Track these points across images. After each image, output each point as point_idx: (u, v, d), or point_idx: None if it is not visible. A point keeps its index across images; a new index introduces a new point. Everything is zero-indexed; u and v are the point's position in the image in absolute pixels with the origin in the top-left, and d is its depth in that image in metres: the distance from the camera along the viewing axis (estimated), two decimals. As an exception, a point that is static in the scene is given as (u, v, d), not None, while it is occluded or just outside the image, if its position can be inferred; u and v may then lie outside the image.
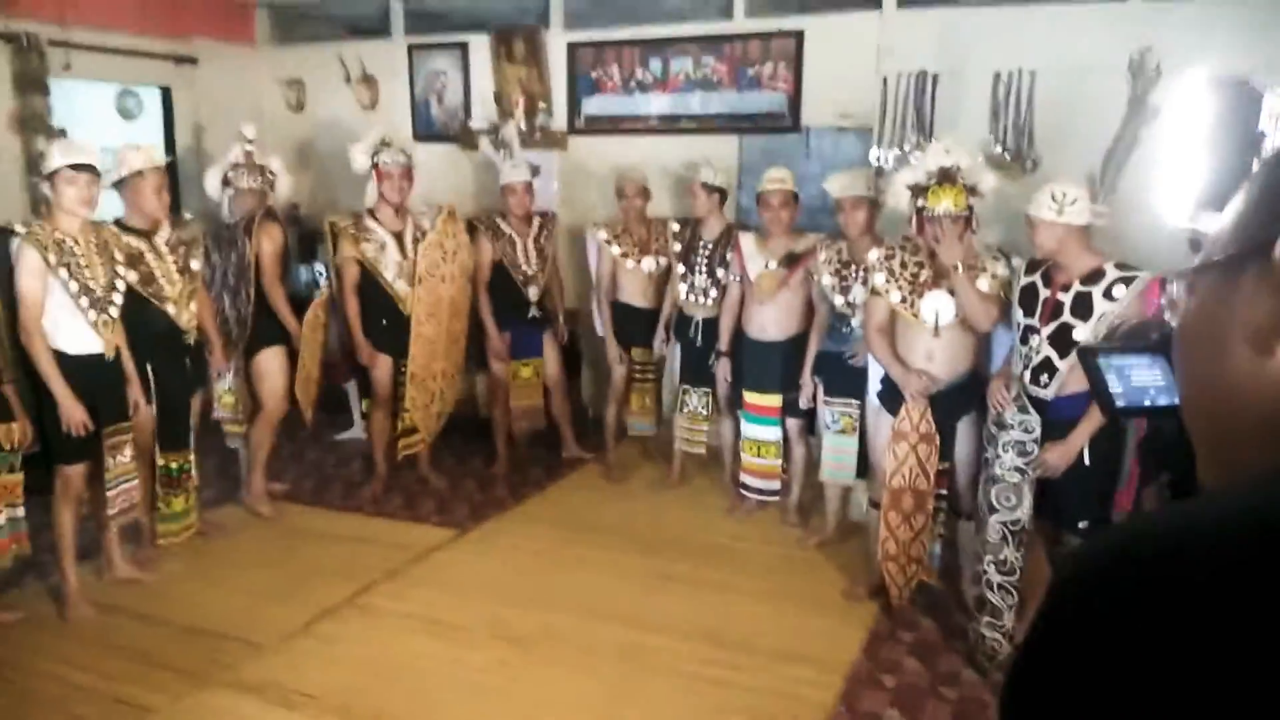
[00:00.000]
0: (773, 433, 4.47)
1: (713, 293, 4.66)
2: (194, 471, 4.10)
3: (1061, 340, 3.10)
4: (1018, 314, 3.27)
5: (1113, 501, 3.24)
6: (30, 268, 3.37)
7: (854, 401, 4.07)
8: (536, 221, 5.10)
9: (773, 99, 5.35)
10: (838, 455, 4.17)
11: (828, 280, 4.11)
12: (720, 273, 4.61)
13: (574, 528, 4.54)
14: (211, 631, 3.53)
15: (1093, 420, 3.04)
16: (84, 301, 3.48)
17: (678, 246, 4.79)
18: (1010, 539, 3.22)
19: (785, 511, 4.61)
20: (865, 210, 4.01)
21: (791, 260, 4.31)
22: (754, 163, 5.23)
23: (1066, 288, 3.12)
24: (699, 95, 5.53)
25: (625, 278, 5.03)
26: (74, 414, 3.43)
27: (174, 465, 3.98)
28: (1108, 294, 3.04)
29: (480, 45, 5.93)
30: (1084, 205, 3.09)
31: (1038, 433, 3.15)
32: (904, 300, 3.55)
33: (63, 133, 5.08)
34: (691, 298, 4.74)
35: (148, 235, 3.82)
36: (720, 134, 5.45)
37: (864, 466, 4.06)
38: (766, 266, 4.33)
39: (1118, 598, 0.52)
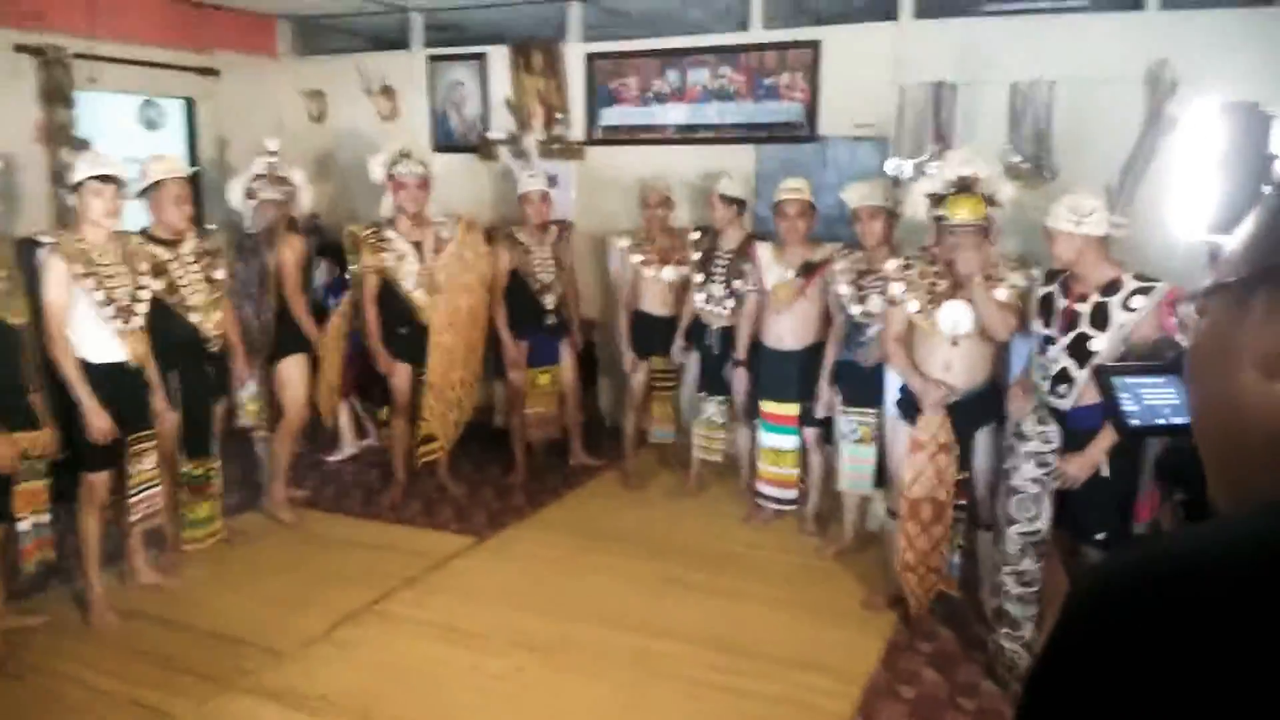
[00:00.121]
0: (790, 441, 4.48)
1: (730, 302, 4.67)
2: (218, 478, 4.14)
3: (1079, 350, 3.10)
4: (1035, 324, 3.27)
5: (1132, 513, 3.23)
6: (56, 278, 3.42)
7: (871, 411, 4.07)
8: (553, 230, 5.14)
9: (790, 109, 5.36)
10: (856, 465, 4.17)
11: (845, 290, 4.12)
12: (737, 283, 4.62)
13: (591, 535, 4.56)
14: (233, 637, 3.56)
15: (1111, 432, 3.03)
16: (109, 311, 3.52)
17: (696, 255, 4.81)
18: (1030, 550, 3.21)
19: (803, 520, 4.61)
20: (882, 220, 4.01)
21: (808, 270, 4.32)
22: (771, 172, 5.24)
23: (1084, 298, 3.12)
24: (716, 105, 5.55)
25: (645, 286, 5.06)
26: (99, 422, 3.47)
27: (198, 472, 4.03)
28: (1126, 305, 3.04)
29: (499, 57, 5.97)
30: (1102, 216, 3.09)
31: (1057, 444, 3.15)
32: (921, 310, 3.55)
33: (86, 144, 5.16)
34: (709, 307, 4.76)
35: (173, 245, 3.87)
36: (737, 144, 5.47)
37: (882, 476, 4.06)
38: (783, 276, 4.35)
39: (1132, 617, 0.54)
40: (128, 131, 5.82)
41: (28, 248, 3.55)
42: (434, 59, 6.23)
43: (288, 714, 3.11)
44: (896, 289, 3.62)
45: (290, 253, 4.48)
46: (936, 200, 3.46)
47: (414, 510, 4.90)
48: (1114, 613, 0.55)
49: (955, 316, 3.48)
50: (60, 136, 5.16)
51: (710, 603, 3.87)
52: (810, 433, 4.46)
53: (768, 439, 4.52)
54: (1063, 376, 3.13)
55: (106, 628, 3.62)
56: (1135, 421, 1.14)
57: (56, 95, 5.14)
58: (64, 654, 3.44)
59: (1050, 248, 3.16)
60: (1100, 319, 3.07)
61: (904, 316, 3.61)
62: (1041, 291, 3.28)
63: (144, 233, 3.86)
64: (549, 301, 5.09)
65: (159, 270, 3.78)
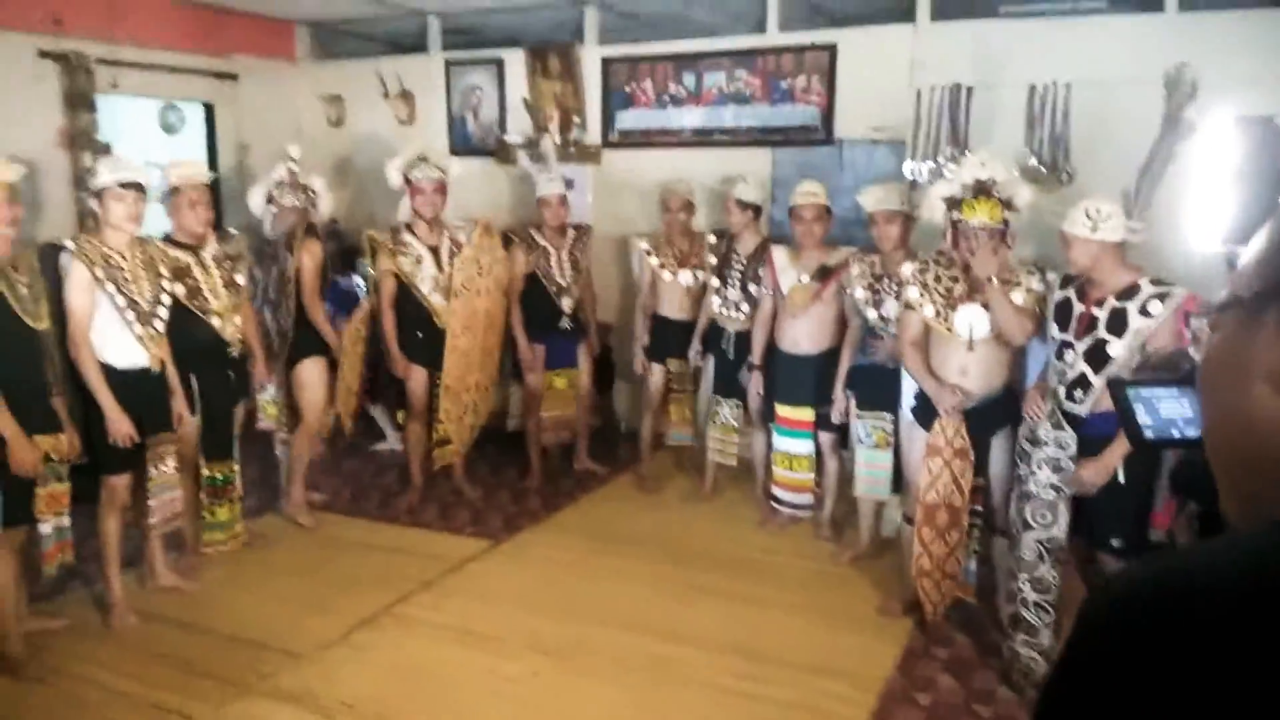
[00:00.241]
0: (805, 446, 4.47)
1: (745, 306, 4.68)
2: (238, 481, 4.18)
3: (1096, 356, 3.08)
4: (1052, 329, 3.25)
5: (1148, 521, 3.21)
6: (79, 283, 3.46)
7: (887, 415, 4.06)
8: (571, 234, 5.16)
9: (806, 112, 5.36)
10: (872, 470, 4.16)
11: (860, 294, 4.11)
12: (753, 287, 4.62)
13: (606, 539, 4.57)
14: (251, 640, 3.59)
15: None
16: (130, 315, 3.56)
17: (713, 259, 4.81)
18: (1046, 556, 3.20)
19: (818, 526, 4.61)
20: (899, 224, 4.00)
21: (824, 274, 4.32)
22: (787, 176, 5.24)
23: (1101, 303, 3.10)
24: (732, 109, 5.55)
25: (663, 289, 5.08)
26: (120, 426, 3.51)
27: (219, 475, 4.06)
28: (1143, 310, 3.02)
29: (516, 60, 6.00)
30: (1118, 222, 3.08)
31: (1073, 449, 3.13)
32: (938, 314, 3.54)
33: (107, 148, 5.21)
34: (725, 311, 4.76)
35: (194, 250, 3.91)
36: (753, 147, 5.47)
37: (899, 481, 4.05)
38: (799, 280, 4.34)
39: (1146, 631, 0.54)
40: (148, 135, 5.88)
41: (50, 252, 3.59)
42: (451, 63, 6.25)
43: (305, 717, 3.13)
44: (912, 293, 3.61)
45: (309, 257, 4.51)
46: (953, 203, 3.46)
47: (430, 514, 4.93)
48: (1128, 627, 0.56)
49: (972, 320, 3.47)
50: (82, 141, 5.21)
51: (726, 607, 3.88)
52: (826, 437, 4.46)
53: (782, 443, 4.51)
54: (1079, 382, 3.12)
55: (126, 630, 3.66)
56: (1149, 434, 1.14)
57: (79, 100, 5.20)
58: (84, 656, 3.48)
59: (1067, 253, 3.15)
60: (1117, 324, 3.05)
61: (920, 320, 3.60)
62: (1058, 296, 3.26)
63: (166, 237, 3.90)
64: (566, 304, 5.10)
65: (180, 274, 3.82)
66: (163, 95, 5.90)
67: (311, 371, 4.61)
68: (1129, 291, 3.06)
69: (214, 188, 4.80)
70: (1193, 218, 3.81)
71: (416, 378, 4.84)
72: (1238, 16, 4.33)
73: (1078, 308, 3.17)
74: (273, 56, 6.51)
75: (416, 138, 5.54)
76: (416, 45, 6.43)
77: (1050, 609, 3.22)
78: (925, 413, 3.62)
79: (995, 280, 3.36)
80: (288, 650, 3.52)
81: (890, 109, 4.98)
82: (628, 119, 5.83)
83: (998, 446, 3.58)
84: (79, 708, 3.18)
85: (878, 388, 4.05)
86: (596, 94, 5.85)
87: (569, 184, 5.22)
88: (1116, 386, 1.17)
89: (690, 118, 5.67)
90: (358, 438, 5.56)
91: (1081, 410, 3.12)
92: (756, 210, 4.73)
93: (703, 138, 5.64)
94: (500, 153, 6.11)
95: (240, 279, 4.07)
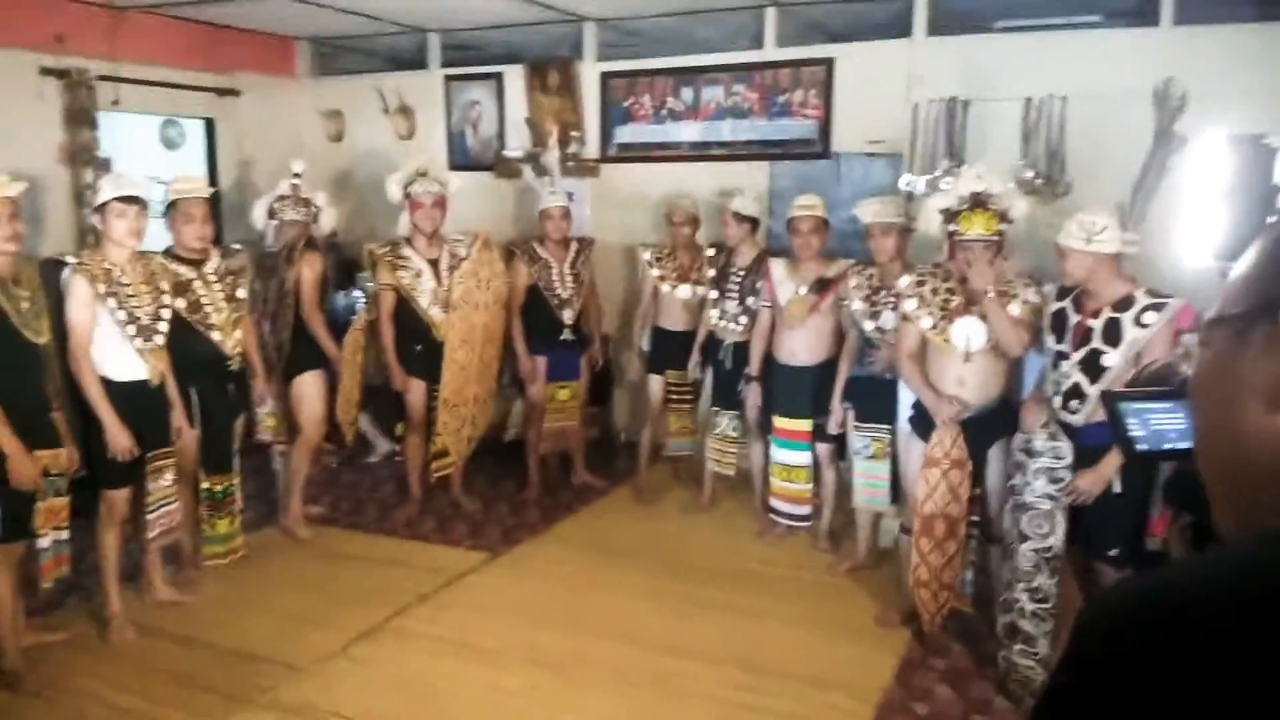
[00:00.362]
0: (803, 457, 4.48)
1: (743, 318, 4.70)
2: (238, 495, 4.19)
3: (1091, 366, 3.10)
4: (1048, 339, 3.27)
5: (1144, 530, 3.21)
6: (80, 298, 3.47)
7: (885, 427, 4.08)
8: (574, 247, 5.19)
9: (803, 126, 5.39)
10: (870, 481, 4.17)
11: (858, 306, 4.13)
12: (751, 299, 4.64)
13: (605, 551, 4.57)
14: (250, 654, 3.59)
15: (1123, 449, 3.02)
16: (131, 330, 3.57)
17: (711, 271, 4.84)
18: (1044, 566, 3.21)
19: (816, 537, 4.61)
20: (894, 236, 4.03)
21: (822, 286, 4.33)
22: (785, 189, 5.27)
23: (1097, 314, 3.12)
24: (730, 123, 5.59)
25: (664, 301, 5.12)
26: (120, 440, 3.52)
27: (218, 488, 4.07)
28: (1138, 321, 3.04)
29: (515, 76, 6.03)
30: (1113, 234, 3.10)
31: (1069, 459, 3.14)
32: (935, 326, 3.56)
33: (108, 164, 5.24)
34: (723, 323, 4.78)
35: (196, 264, 3.93)
36: (751, 161, 5.50)
37: (897, 492, 4.06)
38: (797, 292, 4.36)
39: (1140, 644, 0.55)
40: (148, 151, 5.91)
41: (52, 268, 3.61)
42: (451, 78, 6.29)
43: (304, 730, 3.13)
44: (910, 305, 3.63)
45: (309, 270, 4.54)
46: (950, 216, 3.48)
47: (428, 526, 4.93)
48: (1122, 639, 0.57)
49: (969, 332, 3.49)
50: (83, 157, 5.24)
51: (724, 619, 3.88)
52: (823, 449, 4.46)
53: (780, 455, 4.52)
54: (1075, 392, 3.13)
55: (125, 644, 3.65)
56: (1142, 446, 1.15)
57: (80, 117, 5.23)
58: (83, 671, 3.48)
59: (1062, 264, 3.17)
60: (1113, 335, 3.07)
61: (917, 332, 3.62)
62: (1054, 307, 3.28)
63: (168, 252, 3.92)
64: (567, 317, 5.13)
65: (181, 289, 3.84)
66: (164, 111, 5.93)
67: (310, 384, 4.62)
68: (1124, 303, 3.08)
69: (214, 203, 4.82)
70: (1185, 232, 3.84)
71: (415, 391, 4.85)
72: (1232, 31, 4.37)
73: (1073, 318, 3.18)
74: (273, 73, 6.55)
75: (416, 153, 5.56)
76: (416, 61, 6.47)
77: (1048, 618, 3.23)
78: (923, 424, 3.63)
79: (992, 292, 3.38)
80: (287, 664, 3.52)
81: (887, 123, 5.01)
82: (626, 133, 5.87)
83: (994, 457, 3.59)
84: (77, 721, 3.18)
85: (875, 399, 4.07)
86: (595, 109, 5.89)
87: (569, 197, 5.25)
88: (1109, 400, 1.18)
89: (688, 132, 5.70)
90: (356, 450, 5.57)
91: (1077, 420, 3.13)
92: (754, 223, 4.77)
93: (701, 152, 5.67)
94: (499, 167, 6.14)
95: (242, 294, 4.09)
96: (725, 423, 4.83)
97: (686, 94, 5.68)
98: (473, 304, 4.82)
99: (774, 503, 4.61)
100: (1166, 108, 3.52)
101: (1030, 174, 4.57)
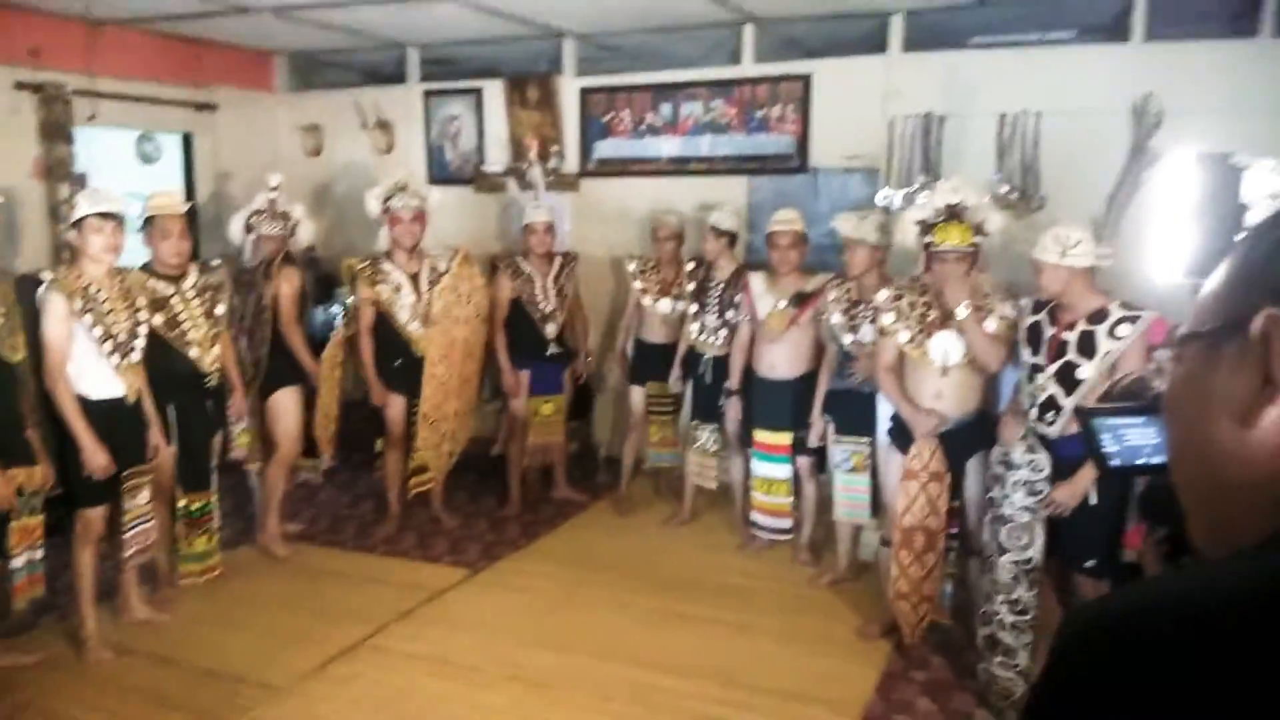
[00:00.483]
0: (783, 470, 4.49)
1: (723, 332, 4.72)
2: (215, 512, 4.15)
3: (1067, 379, 3.13)
4: (1024, 352, 3.30)
5: (1121, 541, 3.24)
6: (56, 314, 3.44)
7: (864, 440, 4.10)
8: (557, 261, 5.20)
9: (781, 141, 5.43)
10: (850, 494, 4.19)
11: (837, 319, 4.16)
12: (730, 313, 4.66)
13: (586, 567, 4.56)
14: (228, 674, 3.55)
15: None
16: (107, 347, 3.54)
17: (691, 285, 4.86)
18: (1023, 578, 3.23)
19: (797, 549, 4.62)
20: (865, 251, 4.06)
21: (801, 300, 4.36)
22: (764, 203, 5.31)
23: (1071, 327, 3.15)
24: (709, 138, 5.62)
25: (646, 313, 5.15)
26: (97, 458, 3.48)
27: (195, 506, 4.03)
28: (1112, 333, 3.07)
29: (494, 91, 6.04)
30: (1088, 247, 3.13)
31: (1048, 472, 3.17)
32: (912, 340, 3.59)
33: (84, 178, 5.20)
34: (703, 336, 4.80)
35: (175, 280, 3.91)
36: (730, 175, 5.53)
37: (877, 505, 4.08)
38: (776, 306, 4.38)
39: (1119, 660, 0.56)
40: (125, 166, 5.87)
41: (27, 284, 3.57)
42: (430, 93, 6.29)
43: (282, 749, 3.10)
44: (887, 319, 3.65)
45: (287, 285, 4.52)
46: (926, 228, 3.51)
47: (408, 543, 4.90)
48: (1101, 656, 0.57)
49: (946, 347, 3.52)
50: (59, 172, 5.20)
51: (706, 633, 3.88)
52: (803, 462, 4.48)
53: (761, 468, 4.54)
54: (1050, 404, 3.16)
55: (101, 665, 3.61)
56: (1116, 461, 1.16)
57: (56, 132, 5.19)
58: (58, 692, 3.43)
59: (1038, 278, 3.20)
60: (1087, 347, 3.10)
61: (895, 346, 3.64)
62: (1029, 320, 3.31)
63: (146, 268, 3.89)
64: (550, 331, 5.14)
65: (159, 305, 3.81)
66: (141, 126, 5.89)
67: (286, 400, 4.60)
68: (1098, 315, 3.12)
69: (192, 218, 4.79)
70: (1156, 249, 3.89)
71: (394, 406, 4.83)
72: (1202, 47, 4.44)
73: (1048, 331, 3.22)
74: (251, 87, 6.53)
75: (395, 167, 5.56)
76: (395, 76, 6.47)
77: (1027, 630, 3.25)
78: (901, 436, 3.66)
79: (969, 308, 3.41)
80: (265, 683, 3.49)
81: (864, 138, 5.05)
82: (606, 148, 5.89)
83: (972, 469, 3.61)
84: (52, 744, 3.14)
85: (855, 412, 4.09)
86: (574, 123, 5.91)
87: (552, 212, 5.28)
88: (1083, 415, 1.19)
89: (668, 147, 5.73)
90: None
91: (1052, 432, 3.16)
92: (732, 237, 4.79)
93: (680, 166, 5.70)
94: (479, 182, 6.14)
95: (220, 309, 4.06)
96: (705, 436, 4.84)
97: (665, 109, 5.71)
98: (452, 319, 4.82)
99: (755, 516, 4.62)
100: (1144, 123, 3.57)
101: (1005, 188, 4.62)
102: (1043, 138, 4.60)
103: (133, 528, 3.73)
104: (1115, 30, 4.77)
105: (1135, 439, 1.15)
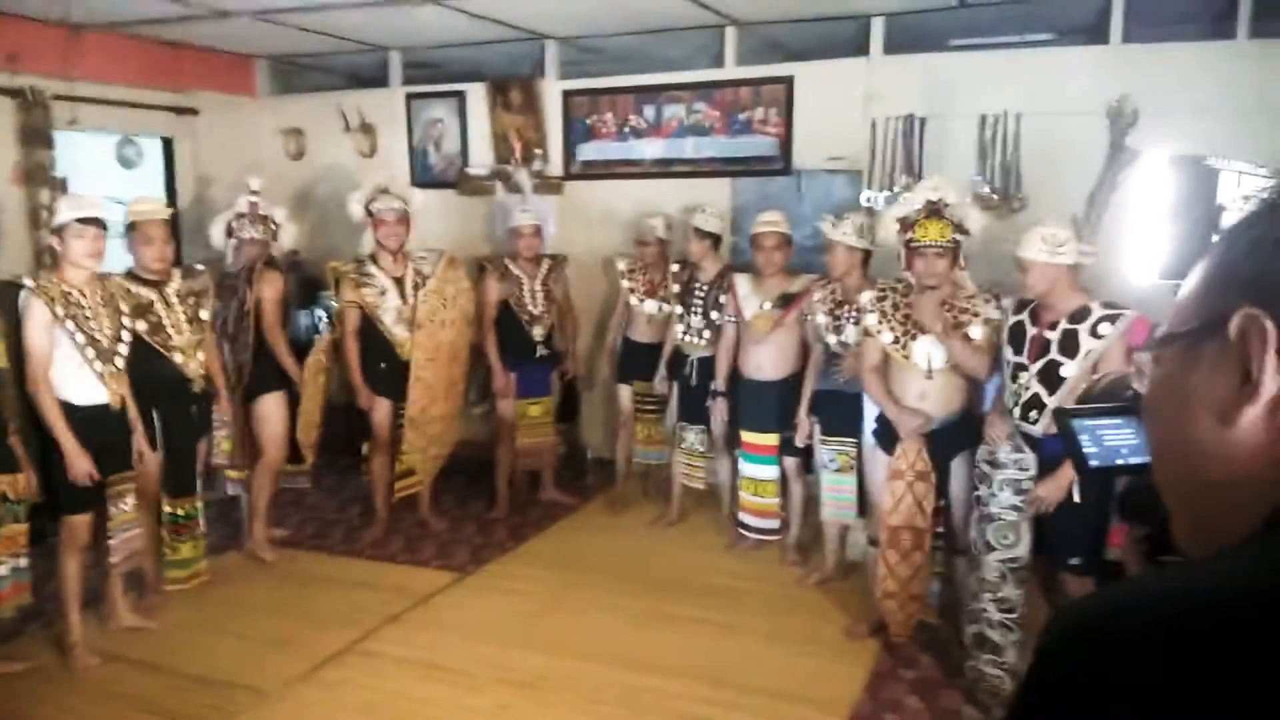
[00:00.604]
0: (770, 471, 4.51)
1: (707, 333, 4.74)
2: (201, 518, 4.13)
3: (1050, 377, 3.16)
4: (1007, 352, 3.33)
5: (1105, 540, 3.28)
6: (38, 321, 3.42)
7: (850, 440, 4.12)
8: (546, 264, 5.21)
9: (764, 143, 5.45)
10: (836, 494, 4.21)
11: (822, 319, 4.18)
12: (714, 314, 4.68)
13: (574, 569, 4.56)
14: (216, 680, 3.54)
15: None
16: (90, 353, 3.52)
17: (676, 287, 4.88)
18: (1010, 576, 3.26)
19: (784, 550, 4.64)
20: (844, 251, 4.08)
21: (786, 301, 4.38)
22: (748, 205, 5.33)
23: (1054, 326, 3.18)
24: (692, 140, 5.63)
25: (633, 312, 5.18)
26: (80, 465, 3.46)
27: (181, 511, 4.02)
28: (1094, 332, 3.11)
29: (477, 94, 6.04)
30: (1073, 246, 3.17)
31: (1034, 470, 3.20)
32: (896, 341, 3.61)
33: (64, 183, 5.16)
34: (687, 338, 4.82)
35: (158, 285, 3.89)
36: (713, 177, 5.55)
37: (864, 505, 4.10)
38: (761, 307, 4.41)
39: (1102, 661, 0.57)
40: (105, 171, 5.83)
41: (8, 290, 3.55)
42: (412, 96, 6.28)
43: (272, 755, 3.09)
44: (871, 320, 3.68)
45: (270, 289, 4.50)
46: (906, 225, 3.54)
47: (396, 547, 4.89)
48: (1085, 657, 0.58)
49: (930, 350, 3.55)
50: (39, 177, 5.16)
51: (694, 634, 3.89)
52: (790, 462, 4.50)
53: (748, 469, 4.55)
54: (1034, 403, 3.19)
55: (88, 672, 3.59)
56: (1095, 462, 1.17)
57: (36, 136, 5.14)
58: (45, 700, 3.41)
59: (1023, 278, 3.21)
60: (1070, 346, 3.14)
61: (879, 347, 3.67)
62: (1012, 320, 3.34)
63: (129, 273, 3.87)
64: (538, 334, 5.15)
65: (142, 311, 3.79)
66: (122, 130, 5.86)
67: (272, 406, 4.58)
68: (1080, 314, 3.15)
69: (174, 223, 4.76)
70: (1132, 250, 3.94)
71: (380, 409, 4.82)
72: (1179, 48, 4.50)
73: (1031, 331, 3.25)
74: (233, 91, 6.49)
75: (378, 170, 5.55)
76: (377, 79, 6.46)
77: (1014, 628, 3.27)
78: (887, 437, 3.68)
79: (940, 326, 3.44)
80: (253, 689, 3.47)
81: (846, 139, 5.08)
82: (589, 150, 5.89)
83: (957, 468, 3.63)
84: (38, 753, 3.12)
85: (841, 413, 4.11)
86: (558, 126, 5.91)
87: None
88: (1061, 417, 1.20)
89: (651, 149, 5.74)
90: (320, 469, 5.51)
91: (1036, 431, 3.19)
92: (716, 239, 4.81)
93: (664, 169, 5.71)
94: (464, 185, 6.14)
95: (204, 314, 4.05)
96: (692, 437, 4.85)
97: (649, 112, 5.72)
98: (438, 322, 4.81)
99: (742, 516, 4.64)
100: (1119, 123, 3.61)
101: (986, 189, 4.66)
102: (1023, 139, 4.64)
103: (119, 534, 3.71)
104: (1094, 32, 4.82)
105: (1113, 439, 1.16)
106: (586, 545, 4.89)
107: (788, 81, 5.35)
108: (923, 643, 3.77)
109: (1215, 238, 0.72)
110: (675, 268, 4.94)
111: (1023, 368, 3.24)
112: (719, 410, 4.65)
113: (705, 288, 4.77)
